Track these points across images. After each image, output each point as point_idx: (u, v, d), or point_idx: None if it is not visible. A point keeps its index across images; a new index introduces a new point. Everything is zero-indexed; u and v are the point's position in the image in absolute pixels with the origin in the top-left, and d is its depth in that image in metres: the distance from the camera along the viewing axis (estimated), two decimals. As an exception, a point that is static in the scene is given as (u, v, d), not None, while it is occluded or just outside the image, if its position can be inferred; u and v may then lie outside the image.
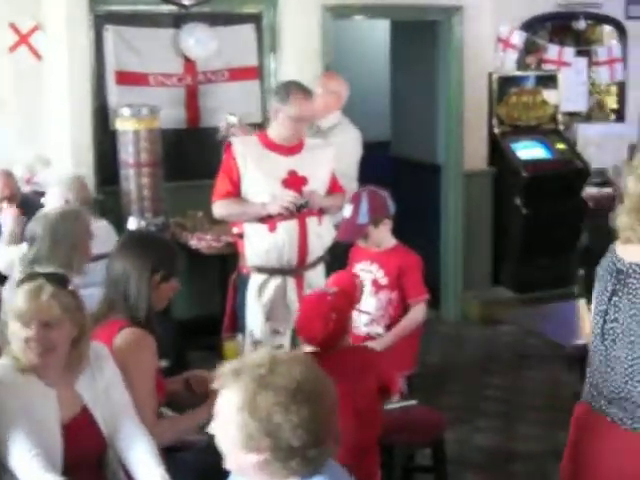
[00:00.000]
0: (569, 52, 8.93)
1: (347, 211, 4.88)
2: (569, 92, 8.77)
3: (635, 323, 2.82)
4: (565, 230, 8.12)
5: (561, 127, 8.59)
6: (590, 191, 8.34)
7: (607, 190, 8.45)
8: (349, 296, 4.00)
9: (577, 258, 8.17)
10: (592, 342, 3.08)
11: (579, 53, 9.12)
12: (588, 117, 9.17)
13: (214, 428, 2.27)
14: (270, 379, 2.19)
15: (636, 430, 2.85)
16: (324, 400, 2.24)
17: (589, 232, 7.93)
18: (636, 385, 2.84)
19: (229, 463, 2.28)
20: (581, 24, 9.05)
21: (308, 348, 3.89)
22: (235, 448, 2.22)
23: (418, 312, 4.87)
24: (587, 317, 5.19)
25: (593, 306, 3.12)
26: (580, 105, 9.09)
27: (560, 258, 8.18)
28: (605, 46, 9.21)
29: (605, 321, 2.95)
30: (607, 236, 5.89)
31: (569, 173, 8.22)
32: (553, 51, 8.86)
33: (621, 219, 2.94)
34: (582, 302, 5.51)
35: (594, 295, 3.11)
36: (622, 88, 9.26)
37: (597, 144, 8.76)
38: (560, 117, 8.59)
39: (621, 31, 9.20)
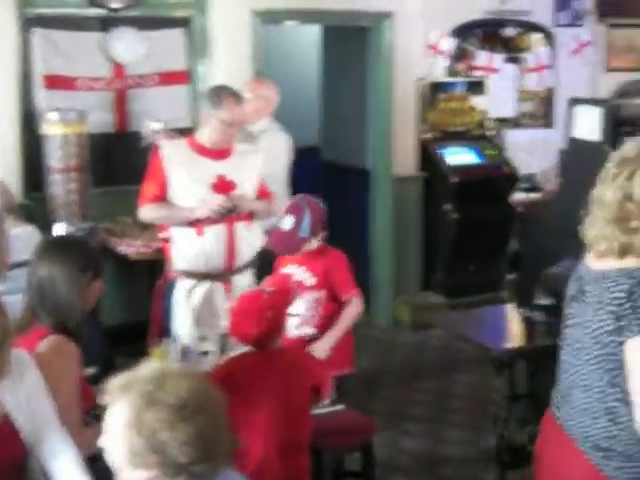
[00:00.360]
0: (498, 59, 9.03)
1: (287, 224, 4.83)
2: (498, 98, 8.84)
3: (581, 330, 2.80)
4: (494, 235, 8.19)
5: (490, 133, 8.65)
6: (519, 196, 8.40)
7: (536, 195, 8.55)
8: (284, 296, 4.02)
9: (506, 263, 8.26)
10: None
11: (508, 60, 9.21)
12: (517, 123, 9.26)
13: (104, 443, 2.25)
14: (157, 395, 2.17)
15: (570, 436, 2.85)
16: (212, 415, 2.24)
17: (518, 237, 8.01)
18: (579, 394, 2.82)
19: (120, 478, 2.26)
20: (510, 31, 9.14)
21: (242, 349, 3.89)
22: (124, 464, 2.21)
23: (354, 306, 4.88)
24: (516, 321, 5.26)
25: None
26: (509, 111, 9.18)
27: (489, 263, 8.25)
28: (533, 53, 9.31)
29: (566, 326, 2.94)
30: (536, 241, 5.99)
31: (498, 178, 8.26)
32: (482, 58, 8.94)
33: (595, 230, 2.84)
34: (511, 306, 5.56)
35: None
36: (550, 94, 9.37)
37: (526, 150, 8.85)
38: (489, 123, 8.65)
39: (549, 38, 9.31)
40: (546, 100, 9.41)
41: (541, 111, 9.45)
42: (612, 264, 2.74)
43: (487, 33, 9.13)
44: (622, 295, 2.65)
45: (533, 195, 8.55)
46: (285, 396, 3.77)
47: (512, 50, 9.27)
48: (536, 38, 9.40)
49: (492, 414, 5.42)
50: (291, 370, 3.87)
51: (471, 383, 6.83)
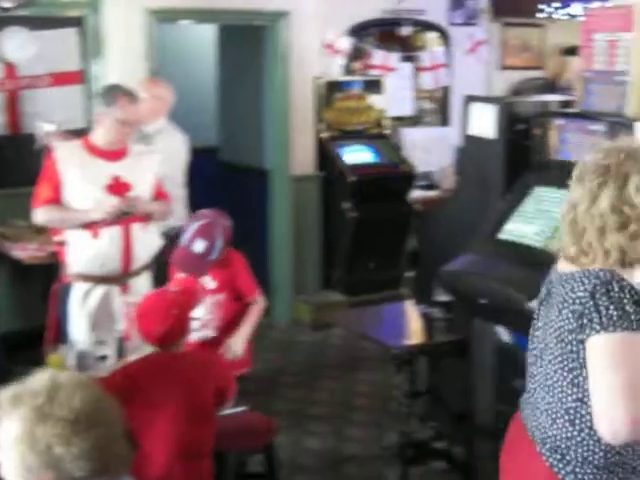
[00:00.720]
0: (394, 58, 9.07)
1: (199, 247, 4.75)
2: (395, 97, 8.89)
3: (545, 330, 2.77)
4: (393, 233, 8.23)
5: (387, 131, 8.69)
6: (417, 194, 8.45)
7: (433, 193, 8.62)
8: (190, 296, 4.01)
9: (405, 260, 8.31)
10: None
11: (405, 59, 9.27)
12: (414, 121, 9.33)
13: None
14: (49, 409, 2.11)
15: (531, 437, 2.83)
16: (107, 426, 2.19)
17: (416, 235, 8.06)
18: (542, 394, 2.79)
19: None
20: (406, 30, 9.20)
21: (141, 353, 3.85)
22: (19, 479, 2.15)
23: (259, 304, 4.94)
24: (415, 318, 5.29)
25: None
26: (406, 110, 9.24)
27: (389, 261, 8.30)
28: (429, 52, 9.40)
29: (534, 329, 2.91)
30: (434, 238, 6.02)
31: (396, 177, 8.29)
32: (379, 57, 8.98)
33: (571, 238, 2.78)
34: (410, 304, 5.59)
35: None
36: (446, 93, 9.46)
37: (423, 148, 8.91)
38: (386, 122, 8.69)
39: (445, 37, 9.40)
40: (442, 98, 9.51)
41: (437, 109, 9.54)
42: (580, 266, 2.73)
43: (384, 32, 9.18)
44: (585, 295, 2.63)
45: (431, 193, 8.62)
46: (188, 399, 3.74)
47: (408, 49, 9.34)
48: (432, 37, 9.49)
49: (394, 411, 5.44)
50: (194, 372, 3.85)
51: (372, 381, 6.85)
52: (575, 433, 2.70)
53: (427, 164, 8.78)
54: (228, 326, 4.83)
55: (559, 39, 9.80)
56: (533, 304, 4.04)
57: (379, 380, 6.78)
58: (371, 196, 8.05)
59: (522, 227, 4.64)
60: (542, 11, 9.71)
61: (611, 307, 2.59)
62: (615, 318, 2.57)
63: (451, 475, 5.32)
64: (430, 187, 8.74)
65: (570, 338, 2.65)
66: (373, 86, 8.65)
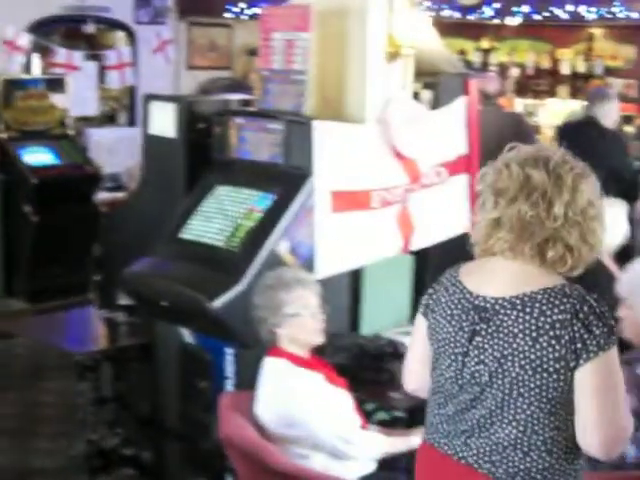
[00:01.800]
0: (78, 56, 8.86)
1: None
2: (79, 97, 8.67)
3: (510, 363, 2.58)
4: (79, 236, 7.99)
5: (72, 132, 8.46)
6: (103, 196, 8.29)
7: (120, 194, 8.45)
8: None
9: (92, 264, 8.10)
10: (440, 386, 2.78)
11: (90, 57, 9.07)
12: (100, 122, 9.15)
13: None
14: None
15: (485, 474, 2.66)
16: None
17: (103, 237, 7.87)
18: (506, 429, 2.60)
19: None
20: (90, 28, 9.01)
21: None
22: None
23: None
24: (99, 323, 5.16)
25: (434, 348, 2.81)
26: (91, 110, 9.04)
27: (75, 265, 8.04)
28: (114, 50, 9.25)
29: (464, 364, 2.68)
30: (118, 240, 5.88)
31: (80, 178, 8.14)
32: (62, 55, 8.74)
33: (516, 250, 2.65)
34: (95, 308, 5.47)
35: (431, 337, 2.81)
36: (132, 92, 9.34)
37: (109, 149, 8.75)
38: (70, 122, 8.45)
39: (131, 35, 9.29)
40: (128, 98, 9.39)
41: (123, 109, 9.42)
42: (527, 287, 2.59)
43: (69, 30, 8.97)
44: (566, 317, 2.50)
45: (118, 194, 8.45)
46: None
47: (95, 47, 9.16)
48: (120, 36, 9.36)
49: (80, 420, 5.29)
50: None
51: (59, 390, 6.62)
52: (553, 461, 2.59)
53: (114, 165, 8.62)
54: None
55: (246, 39, 9.92)
56: (217, 305, 4.06)
57: (65, 388, 6.55)
58: (55, 199, 7.85)
59: (203, 226, 4.60)
60: (229, 11, 9.80)
61: (600, 324, 2.51)
62: (607, 335, 2.51)
63: (141, 480, 5.25)
64: (118, 188, 8.57)
65: (557, 367, 2.52)
66: (56, 85, 8.40)
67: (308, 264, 4.39)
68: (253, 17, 9.28)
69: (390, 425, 4.24)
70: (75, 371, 5.23)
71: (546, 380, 2.52)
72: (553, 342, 2.50)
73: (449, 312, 2.73)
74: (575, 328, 2.49)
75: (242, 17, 9.72)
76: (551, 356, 2.51)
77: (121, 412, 5.38)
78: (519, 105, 9.67)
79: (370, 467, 3.87)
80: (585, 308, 2.51)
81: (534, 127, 8.66)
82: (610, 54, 9.05)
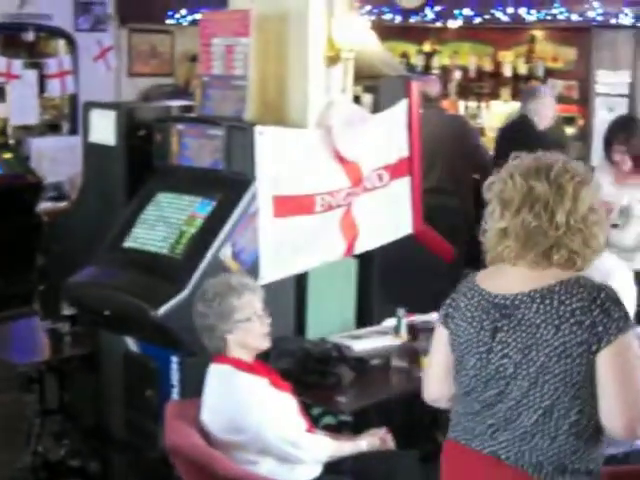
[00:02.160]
0: (18, 64, 8.77)
1: None
2: (20, 105, 8.58)
3: (534, 353, 2.67)
4: (21, 247, 7.92)
5: (12, 141, 8.37)
6: (46, 206, 8.20)
7: (63, 204, 8.37)
8: None
9: (36, 274, 8.01)
10: (465, 386, 2.86)
11: (30, 66, 8.98)
12: (41, 131, 9.06)
13: None
14: None
15: (514, 466, 2.71)
16: None
17: (46, 247, 7.80)
18: (533, 417, 2.68)
19: None
20: (30, 36, 8.93)
21: None
22: None
23: None
24: (43, 334, 5.11)
25: (456, 353, 2.90)
26: (32, 118, 8.95)
27: (18, 276, 7.97)
28: (55, 58, 9.17)
29: (489, 361, 2.76)
30: (61, 250, 5.83)
31: (22, 188, 8.03)
32: (2, 63, 8.66)
33: (535, 251, 2.74)
34: (39, 319, 5.41)
35: (453, 342, 2.90)
36: (73, 101, 9.26)
37: (51, 158, 8.67)
38: (10, 131, 8.36)
39: (71, 43, 9.21)
40: (69, 107, 9.31)
41: (64, 118, 9.33)
42: (543, 282, 2.70)
43: (8, 38, 8.88)
44: (584, 304, 2.61)
45: (60, 204, 8.37)
46: None
47: (35, 55, 9.08)
48: (61, 43, 9.28)
49: (26, 431, 5.22)
50: None
51: (3, 402, 6.51)
52: (581, 444, 2.68)
53: (57, 174, 8.53)
54: None
55: (187, 45, 9.87)
56: (160, 313, 4.04)
57: (9, 400, 6.47)
58: (-3, 210, 7.72)
59: (146, 234, 4.57)
60: (170, 17, 9.75)
61: (617, 309, 2.62)
62: (624, 319, 2.61)
63: (88, 491, 5.20)
64: (60, 198, 8.49)
65: (580, 351, 2.61)
66: (-3, 94, 8.32)
67: (252, 269, 4.39)
68: (194, 23, 9.23)
69: (337, 429, 4.23)
70: (19, 382, 5.18)
71: (570, 365, 2.62)
72: (575, 328, 2.61)
73: (469, 315, 2.83)
74: (595, 313, 2.60)
75: (183, 23, 9.68)
76: (574, 342, 2.61)
77: (67, 423, 5.33)
78: (462, 108, 9.70)
79: (316, 471, 3.87)
80: (602, 294, 2.62)
81: (478, 129, 8.69)
82: (551, 56, 9.10)
